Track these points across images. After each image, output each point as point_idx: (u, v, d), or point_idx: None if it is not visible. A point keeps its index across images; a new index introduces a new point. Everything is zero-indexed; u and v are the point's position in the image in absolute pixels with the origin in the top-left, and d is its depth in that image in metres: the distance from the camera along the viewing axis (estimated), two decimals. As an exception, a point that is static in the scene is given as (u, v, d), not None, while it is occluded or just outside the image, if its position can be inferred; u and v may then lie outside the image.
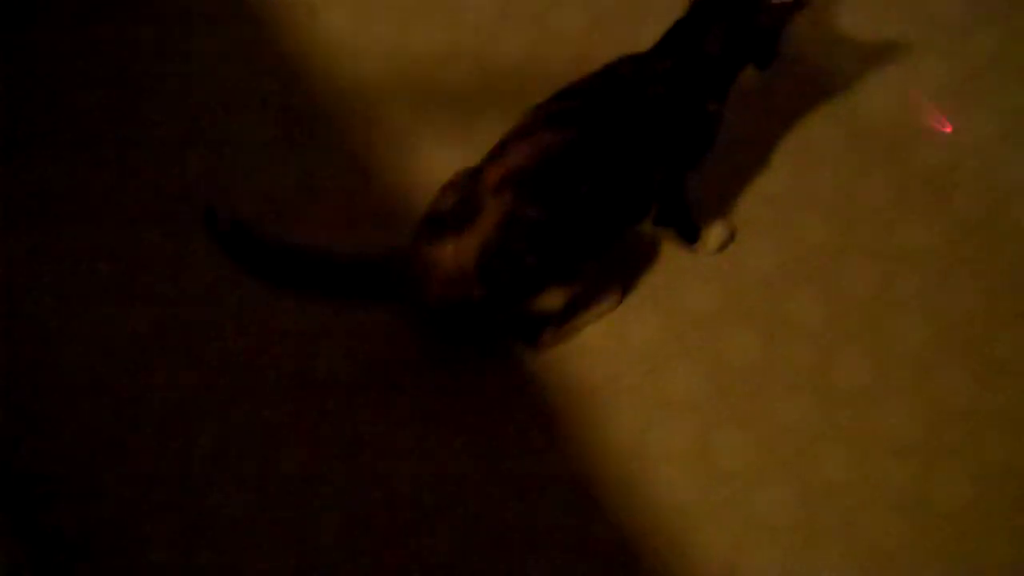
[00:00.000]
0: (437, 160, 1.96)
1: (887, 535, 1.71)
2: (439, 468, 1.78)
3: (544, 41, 2.07)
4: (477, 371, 1.85)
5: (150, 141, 2.03)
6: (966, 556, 1.70)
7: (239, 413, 1.83)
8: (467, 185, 1.64)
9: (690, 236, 1.85)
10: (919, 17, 2.05)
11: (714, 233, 1.88)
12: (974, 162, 1.94)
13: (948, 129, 1.87)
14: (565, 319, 1.81)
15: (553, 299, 1.71)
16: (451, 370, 1.85)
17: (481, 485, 1.77)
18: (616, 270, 1.84)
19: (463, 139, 1.97)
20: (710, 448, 1.78)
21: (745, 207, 1.93)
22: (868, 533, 1.72)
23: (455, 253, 1.61)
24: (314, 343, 1.86)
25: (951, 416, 1.78)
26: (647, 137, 1.66)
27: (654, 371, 1.83)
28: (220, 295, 1.89)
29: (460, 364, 1.85)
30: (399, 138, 2.01)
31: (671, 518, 1.73)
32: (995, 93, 1.99)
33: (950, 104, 1.98)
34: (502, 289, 1.64)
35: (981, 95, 1.99)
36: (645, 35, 1.99)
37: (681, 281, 1.88)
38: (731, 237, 1.90)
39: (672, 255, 1.90)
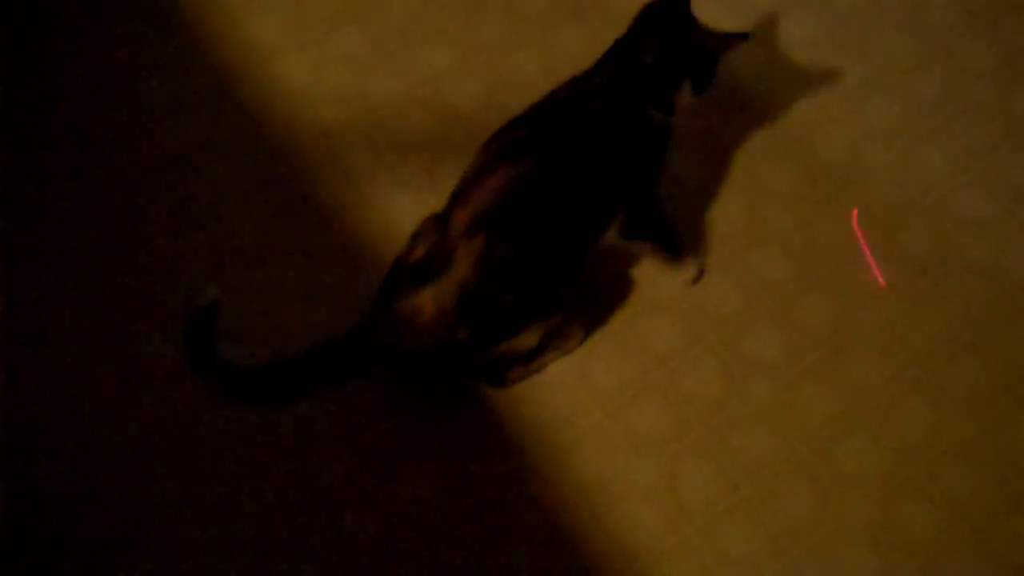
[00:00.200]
0: (398, 205, 1.98)
1: (854, 569, 1.71)
2: (405, 507, 1.77)
3: (500, 86, 2.09)
4: (442, 410, 1.84)
5: (111, 192, 2.03)
6: (933, 587, 1.71)
7: (202, 456, 1.81)
8: (436, 232, 1.65)
9: (672, 248, 1.87)
10: (868, 57, 2.09)
11: (688, 267, 1.90)
12: (925, 199, 1.97)
13: (883, 285, 1.91)
14: (531, 358, 1.82)
15: (530, 336, 1.72)
16: (416, 409, 1.84)
17: (447, 523, 1.75)
18: (579, 309, 1.85)
19: (423, 184, 1.99)
20: (675, 483, 1.78)
21: (703, 246, 1.95)
22: (835, 567, 1.71)
23: (435, 299, 1.62)
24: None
25: (913, 449, 1.80)
26: (598, 150, 1.68)
27: (618, 408, 1.83)
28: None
29: (425, 403, 1.85)
30: (359, 184, 2.02)
31: (637, 553, 1.72)
32: (944, 131, 2.03)
33: (899, 142, 2.02)
34: (484, 328, 1.65)
35: (930, 133, 2.03)
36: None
37: (643, 319, 1.90)
38: (702, 273, 1.92)
39: (634, 294, 1.91)
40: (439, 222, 1.67)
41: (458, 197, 1.67)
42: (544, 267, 1.66)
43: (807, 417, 1.82)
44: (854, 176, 2.00)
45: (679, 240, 1.89)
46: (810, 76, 2.08)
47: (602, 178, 1.69)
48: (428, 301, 1.62)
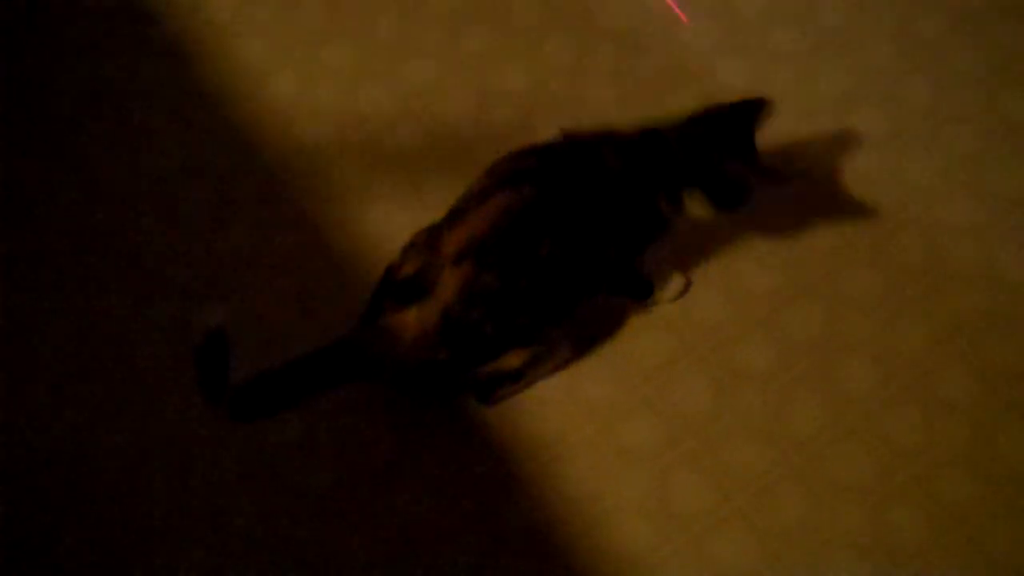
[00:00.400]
0: (388, 218, 1.99)
1: (846, 577, 1.72)
2: (397, 520, 1.77)
3: (487, 101, 2.09)
4: (434, 424, 1.84)
5: (105, 207, 2.03)
6: (925, 595, 1.71)
7: (196, 465, 1.81)
8: (427, 249, 1.64)
9: (643, 295, 1.86)
10: (854, 67, 2.10)
11: (673, 284, 1.90)
12: (914, 207, 1.98)
13: (685, 20, 1.83)
14: (518, 377, 1.82)
15: (513, 359, 1.72)
16: (409, 423, 1.85)
17: (439, 537, 1.75)
18: (568, 324, 1.85)
19: (412, 198, 1.99)
20: (667, 495, 1.78)
21: (691, 258, 1.95)
22: (828, 575, 1.72)
23: (418, 319, 1.61)
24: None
25: (903, 456, 1.79)
26: (602, 207, 1.66)
27: (609, 421, 1.83)
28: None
29: (417, 417, 1.85)
30: (349, 198, 2.02)
31: (631, 565, 1.72)
32: (932, 138, 2.03)
33: (888, 150, 2.02)
34: (464, 352, 1.65)
35: (918, 141, 2.03)
36: (585, 95, 2.03)
37: (632, 333, 1.90)
38: (687, 287, 1.92)
39: (623, 307, 1.91)
40: (431, 238, 1.66)
41: (454, 217, 1.65)
42: (528, 306, 1.65)
43: (798, 426, 1.82)
44: (842, 185, 2.00)
45: (650, 282, 1.89)
46: (794, 88, 2.08)
47: (598, 235, 1.67)
48: (412, 320, 1.61)
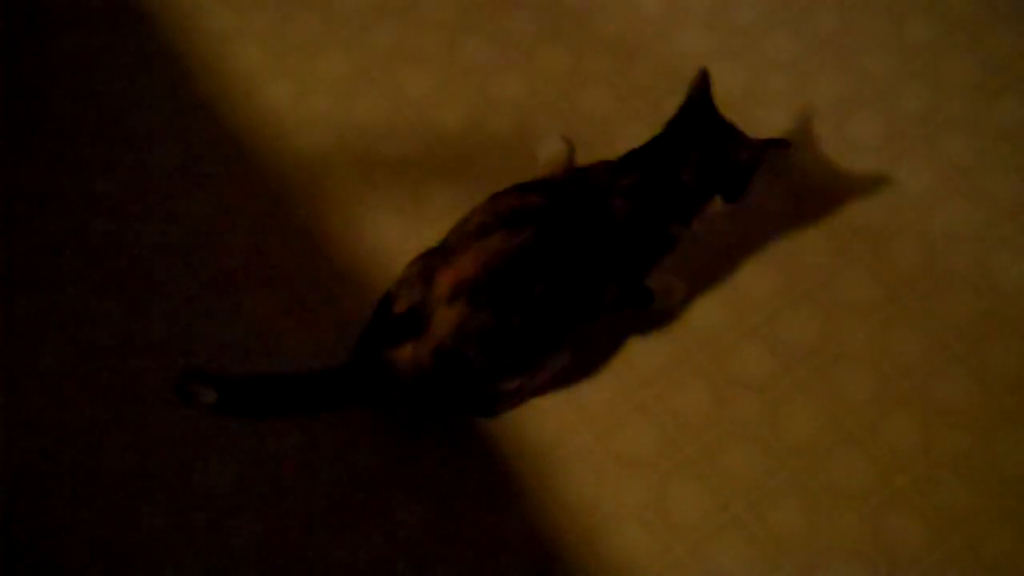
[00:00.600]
0: (384, 229, 1.99)
1: (845, 584, 1.72)
2: (395, 531, 1.77)
3: (484, 110, 2.09)
4: (431, 434, 1.84)
5: (98, 216, 2.03)
6: (924, 601, 1.71)
7: (193, 481, 1.81)
8: (421, 286, 1.62)
9: (643, 304, 1.85)
10: (849, 73, 2.10)
11: (672, 291, 1.89)
12: (911, 213, 1.98)
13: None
14: (517, 395, 1.82)
15: (511, 383, 1.73)
16: (406, 432, 1.84)
17: (437, 546, 1.75)
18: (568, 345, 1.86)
19: (409, 206, 1.99)
20: (665, 503, 1.78)
21: (688, 263, 1.95)
22: (826, 583, 1.72)
23: (413, 355, 1.61)
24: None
25: (903, 462, 1.80)
26: (605, 248, 1.66)
27: (606, 429, 1.83)
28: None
29: (414, 426, 1.85)
30: (345, 208, 2.02)
31: (628, 574, 1.72)
32: (927, 145, 2.04)
33: (883, 157, 2.02)
34: (458, 384, 1.66)
35: (914, 147, 2.03)
36: (582, 103, 2.03)
37: (629, 339, 1.90)
38: (686, 292, 1.92)
39: (621, 316, 1.91)
40: (426, 270, 1.64)
41: (450, 252, 1.63)
42: (524, 343, 1.64)
43: (796, 433, 1.82)
44: (838, 192, 2.00)
45: (651, 297, 1.87)
46: (790, 95, 2.09)
47: (601, 271, 1.67)
48: (407, 356, 1.61)
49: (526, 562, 1.74)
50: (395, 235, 1.97)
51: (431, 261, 1.65)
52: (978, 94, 2.07)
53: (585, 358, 1.87)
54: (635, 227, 1.68)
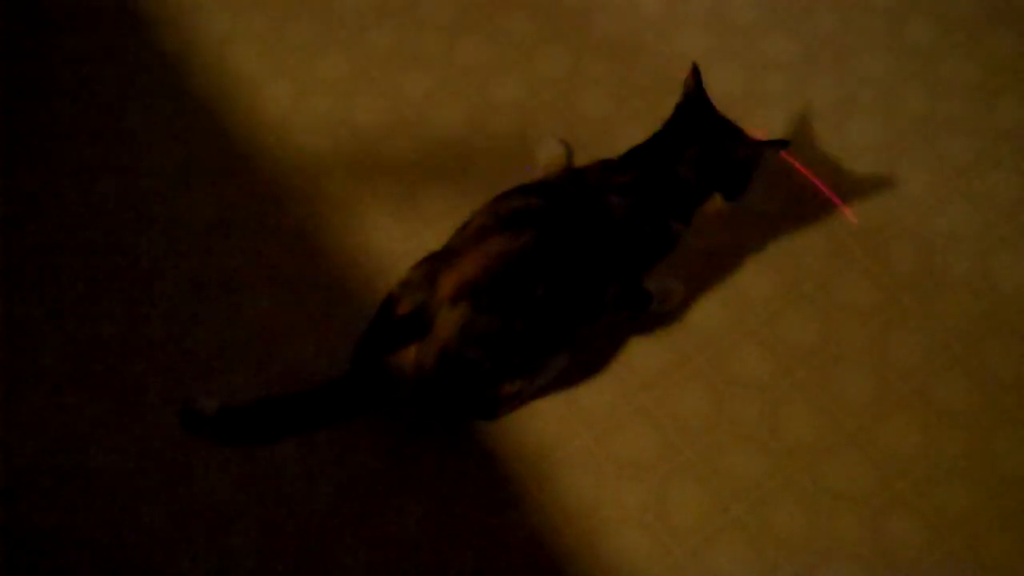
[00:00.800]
0: (383, 231, 1.99)
1: (844, 586, 1.72)
2: (394, 536, 1.77)
3: (484, 111, 2.09)
4: (430, 437, 1.84)
5: (95, 220, 2.03)
6: (923, 603, 1.72)
7: (192, 489, 1.81)
8: (424, 288, 1.62)
9: (641, 306, 1.86)
10: (848, 75, 2.10)
11: (671, 293, 1.89)
12: (909, 215, 1.98)
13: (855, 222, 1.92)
14: (518, 396, 1.81)
15: (512, 386, 1.72)
16: (404, 436, 1.85)
17: (436, 551, 1.75)
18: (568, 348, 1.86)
19: (408, 208, 1.99)
20: (664, 506, 1.78)
21: (687, 265, 1.95)
22: (825, 585, 1.72)
23: (417, 356, 1.61)
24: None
25: (902, 464, 1.80)
26: (605, 247, 1.66)
27: (605, 431, 1.83)
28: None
29: (413, 429, 1.85)
30: (344, 210, 2.02)
31: (628, 578, 1.73)
32: (925, 146, 2.03)
33: (882, 159, 2.02)
34: (462, 387, 1.66)
35: (914, 147, 2.03)
36: (582, 104, 2.03)
37: (629, 342, 1.90)
38: (685, 295, 1.92)
39: (620, 318, 1.91)
40: (429, 272, 1.64)
41: (453, 254, 1.64)
42: (527, 343, 1.65)
43: (795, 435, 1.82)
44: (838, 193, 2.00)
45: (649, 299, 1.88)
46: (789, 95, 2.08)
47: (601, 271, 1.67)
48: (410, 359, 1.61)
49: (526, 565, 1.74)
50: (394, 235, 1.97)
51: (435, 264, 1.65)
52: (978, 94, 2.07)
53: (584, 360, 1.88)
54: (634, 225, 1.68)
